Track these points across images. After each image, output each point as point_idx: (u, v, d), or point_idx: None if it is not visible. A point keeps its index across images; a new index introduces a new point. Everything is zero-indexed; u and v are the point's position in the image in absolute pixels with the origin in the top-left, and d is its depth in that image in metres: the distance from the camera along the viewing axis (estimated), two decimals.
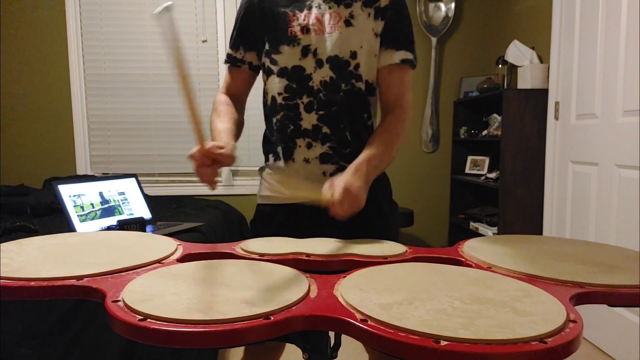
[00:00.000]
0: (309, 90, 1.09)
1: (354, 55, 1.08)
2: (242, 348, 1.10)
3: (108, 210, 1.98)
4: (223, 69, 3.22)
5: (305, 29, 1.07)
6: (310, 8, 1.08)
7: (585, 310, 0.66)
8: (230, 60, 1.17)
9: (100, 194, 1.98)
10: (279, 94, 1.11)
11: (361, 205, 0.94)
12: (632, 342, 1.97)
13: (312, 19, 1.07)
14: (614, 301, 0.69)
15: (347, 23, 1.08)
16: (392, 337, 0.51)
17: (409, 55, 1.11)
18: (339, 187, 0.90)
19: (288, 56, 1.08)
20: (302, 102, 1.09)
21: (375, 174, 1.02)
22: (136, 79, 3.21)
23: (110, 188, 2.05)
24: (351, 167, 0.98)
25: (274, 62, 1.10)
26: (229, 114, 1.11)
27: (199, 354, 1.61)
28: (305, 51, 1.08)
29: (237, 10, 1.16)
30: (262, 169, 1.22)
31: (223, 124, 1.06)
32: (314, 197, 0.92)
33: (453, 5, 3.25)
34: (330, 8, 1.07)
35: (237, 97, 1.20)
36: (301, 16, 1.07)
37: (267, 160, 1.19)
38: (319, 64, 1.08)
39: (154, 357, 1.39)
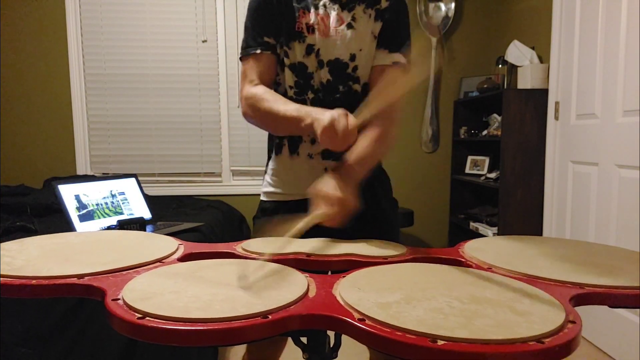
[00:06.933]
0: (311, 87, 1.12)
1: (352, 57, 1.11)
2: (242, 346, 1.11)
3: (86, 215, 1.82)
4: (223, 69, 3.22)
5: (311, 29, 1.09)
6: (317, 7, 1.09)
7: (585, 310, 0.66)
8: (267, 47, 1.10)
9: (77, 197, 1.82)
10: (290, 87, 1.13)
11: (355, 208, 0.92)
12: (632, 342, 1.97)
13: (317, 19, 1.09)
14: (614, 302, 0.68)
15: (349, 26, 1.10)
16: (389, 337, 0.52)
17: (402, 59, 1.11)
18: (329, 202, 0.90)
19: (296, 52, 1.10)
20: (309, 98, 1.12)
21: (362, 172, 1.01)
22: (136, 79, 3.21)
23: (94, 190, 1.90)
24: (334, 175, 0.97)
25: (286, 55, 1.11)
26: (283, 97, 1.07)
27: (200, 353, 1.61)
28: (309, 50, 1.09)
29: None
30: (267, 165, 1.23)
31: (292, 104, 1.03)
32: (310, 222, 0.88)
33: (453, 5, 3.25)
34: (334, 10, 1.09)
35: (270, 87, 1.13)
36: (308, 15, 1.09)
37: (271, 153, 1.20)
38: (320, 64, 1.10)
39: (154, 357, 1.39)
